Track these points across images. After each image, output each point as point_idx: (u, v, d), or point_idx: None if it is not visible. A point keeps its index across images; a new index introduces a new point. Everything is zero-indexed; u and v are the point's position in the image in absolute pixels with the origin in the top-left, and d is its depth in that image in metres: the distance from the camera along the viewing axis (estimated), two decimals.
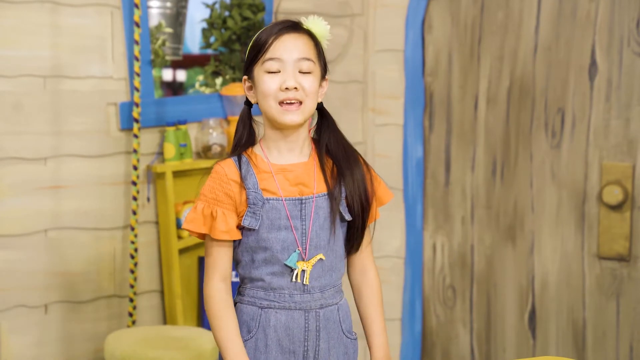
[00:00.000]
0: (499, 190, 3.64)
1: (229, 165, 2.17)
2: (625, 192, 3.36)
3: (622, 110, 3.36)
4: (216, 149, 3.56)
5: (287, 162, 2.18)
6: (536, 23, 3.52)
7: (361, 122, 3.82)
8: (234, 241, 2.18)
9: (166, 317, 3.50)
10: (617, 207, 3.38)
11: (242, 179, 2.14)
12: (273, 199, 2.14)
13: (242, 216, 2.14)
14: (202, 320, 3.56)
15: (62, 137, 3.27)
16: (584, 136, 3.45)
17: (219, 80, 3.80)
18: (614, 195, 3.37)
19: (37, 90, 3.21)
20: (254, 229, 2.14)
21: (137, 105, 3.35)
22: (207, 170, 3.59)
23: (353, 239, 2.23)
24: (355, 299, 2.30)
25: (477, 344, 3.73)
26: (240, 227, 2.15)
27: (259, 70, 2.16)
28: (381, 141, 3.81)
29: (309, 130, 2.24)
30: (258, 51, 2.16)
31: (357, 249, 2.26)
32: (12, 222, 3.19)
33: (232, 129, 3.63)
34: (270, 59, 2.14)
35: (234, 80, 3.73)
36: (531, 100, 3.54)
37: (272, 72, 2.14)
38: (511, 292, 3.63)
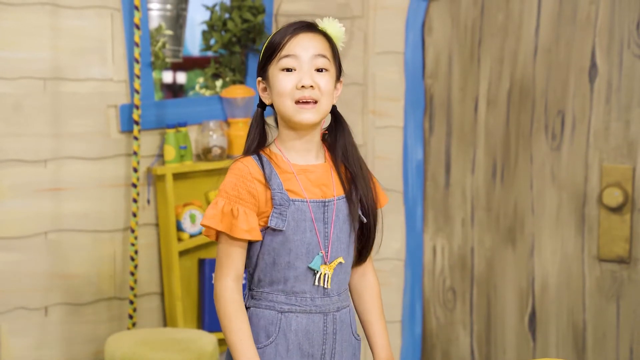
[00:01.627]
0: (499, 192, 3.64)
1: (251, 164, 2.13)
2: (626, 194, 3.36)
3: (622, 112, 3.36)
4: (216, 151, 3.56)
5: (307, 162, 2.17)
6: (536, 25, 3.52)
7: (361, 124, 3.82)
8: (254, 243, 2.14)
9: (166, 319, 3.50)
10: (617, 210, 3.38)
11: (267, 178, 2.12)
12: (298, 201, 2.13)
13: (266, 217, 2.11)
14: (202, 322, 3.56)
15: (62, 139, 3.27)
16: (584, 138, 3.45)
17: (219, 83, 3.80)
18: (614, 197, 3.37)
19: (37, 92, 3.21)
20: (280, 230, 2.12)
21: (137, 107, 3.36)
22: (208, 173, 3.62)
23: (365, 244, 2.23)
24: (354, 302, 2.30)
25: (477, 346, 3.73)
26: (264, 228, 2.13)
27: (274, 69, 2.14)
28: (381, 143, 3.81)
29: (321, 133, 2.24)
30: (273, 50, 2.14)
31: (366, 255, 2.26)
32: (12, 224, 3.19)
33: (232, 131, 3.64)
34: (286, 56, 2.13)
35: (234, 82, 3.73)
36: (531, 102, 3.54)
37: (287, 70, 2.13)
38: (511, 294, 3.63)
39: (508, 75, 3.59)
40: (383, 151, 3.81)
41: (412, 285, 3.82)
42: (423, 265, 3.82)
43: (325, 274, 2.14)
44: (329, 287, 2.15)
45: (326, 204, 2.15)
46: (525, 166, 3.57)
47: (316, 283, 2.14)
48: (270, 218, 2.11)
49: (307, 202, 2.13)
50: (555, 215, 3.51)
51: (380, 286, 2.32)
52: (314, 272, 2.14)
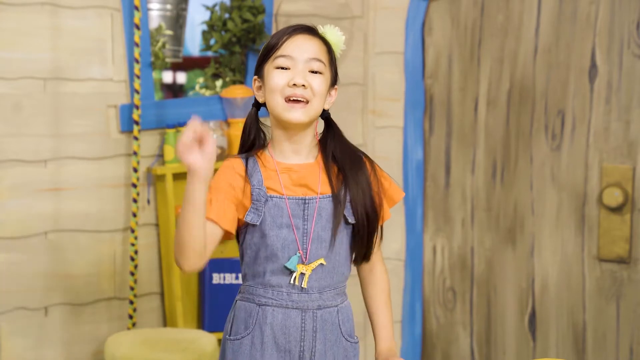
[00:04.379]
0: (499, 193, 3.64)
1: (236, 160, 2.19)
2: (626, 194, 3.36)
3: (622, 113, 3.37)
4: (216, 151, 3.55)
5: (293, 162, 2.19)
6: (536, 25, 3.52)
7: (361, 124, 3.82)
8: (239, 237, 2.19)
9: (166, 320, 3.50)
10: (617, 210, 3.38)
11: (248, 174, 2.15)
12: (276, 197, 2.15)
13: (244, 212, 2.15)
14: (202, 322, 3.56)
15: (62, 139, 3.27)
16: (584, 138, 3.45)
17: (219, 83, 3.80)
18: (614, 197, 3.37)
19: (37, 93, 3.21)
20: (256, 225, 2.15)
21: (137, 107, 3.36)
22: None
23: (359, 244, 2.23)
24: (363, 296, 2.32)
25: (477, 346, 3.73)
26: (244, 224, 2.16)
27: (269, 67, 2.17)
28: (381, 143, 3.81)
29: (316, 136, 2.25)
30: (270, 50, 2.17)
31: (366, 255, 2.25)
32: (12, 224, 3.19)
33: (232, 131, 3.64)
34: (282, 55, 2.15)
35: (234, 82, 3.73)
36: (531, 103, 3.54)
37: (282, 69, 2.15)
38: (511, 294, 3.63)
39: (508, 76, 3.59)
40: (383, 151, 3.81)
41: (412, 286, 3.82)
42: (423, 265, 3.82)
43: (302, 273, 2.15)
44: (305, 286, 2.17)
45: (307, 202, 2.17)
46: (525, 166, 3.57)
47: (291, 282, 2.16)
48: (247, 213, 2.15)
49: (284, 198, 2.15)
50: (555, 215, 3.51)
51: (388, 281, 2.32)
52: (290, 271, 2.16)
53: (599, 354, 3.46)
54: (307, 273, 2.16)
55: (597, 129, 3.41)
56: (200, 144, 1.98)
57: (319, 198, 2.18)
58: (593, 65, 3.41)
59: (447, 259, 3.77)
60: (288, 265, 2.15)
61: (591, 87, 3.42)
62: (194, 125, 1.97)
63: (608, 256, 3.41)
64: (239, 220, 2.16)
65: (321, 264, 2.17)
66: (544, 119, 3.52)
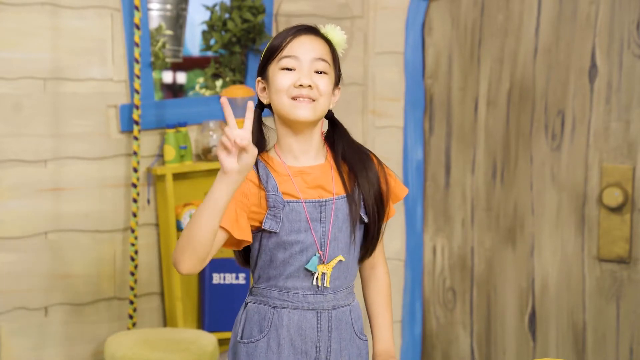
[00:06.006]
0: (499, 193, 3.64)
1: None
2: (626, 194, 3.36)
3: (622, 113, 3.37)
4: (216, 151, 3.56)
5: (304, 164, 2.18)
6: (536, 25, 3.52)
7: (361, 124, 3.82)
8: (254, 243, 2.17)
9: (166, 320, 3.50)
10: (617, 210, 3.38)
11: (261, 180, 2.13)
12: (293, 202, 2.14)
13: (259, 218, 2.13)
14: (202, 322, 3.56)
15: (62, 139, 3.27)
16: (584, 138, 3.45)
17: (219, 83, 3.80)
18: (614, 197, 3.37)
19: (37, 93, 3.21)
20: (275, 232, 2.14)
21: (137, 107, 3.36)
22: (208, 173, 3.62)
23: (369, 242, 2.23)
24: (363, 294, 2.31)
25: (477, 346, 3.73)
26: (260, 229, 2.15)
27: (274, 68, 2.16)
28: (381, 143, 3.81)
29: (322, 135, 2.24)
30: (274, 51, 2.16)
31: (371, 253, 2.25)
32: (12, 224, 3.19)
33: None
34: (287, 56, 2.14)
35: (234, 82, 3.73)
36: (531, 103, 3.54)
37: (287, 69, 2.14)
38: (511, 294, 3.63)
39: (508, 76, 3.59)
40: (383, 151, 3.80)
41: (412, 286, 3.82)
42: (423, 265, 3.82)
43: (323, 273, 2.15)
44: (328, 285, 2.16)
45: (323, 203, 2.16)
46: (525, 166, 3.57)
47: (314, 283, 2.15)
48: (264, 220, 2.13)
49: (302, 202, 2.14)
50: (555, 215, 3.51)
51: (390, 281, 2.32)
52: (311, 272, 2.16)
53: (599, 354, 3.46)
54: (328, 272, 2.16)
55: (597, 129, 3.41)
56: (241, 151, 1.95)
57: (335, 199, 2.17)
58: (593, 65, 3.41)
59: (447, 259, 3.77)
60: (308, 266, 2.14)
61: (591, 87, 3.42)
62: (243, 136, 1.94)
63: (608, 256, 3.41)
64: (251, 227, 2.14)
65: (340, 260, 2.17)
66: (544, 119, 3.52)
